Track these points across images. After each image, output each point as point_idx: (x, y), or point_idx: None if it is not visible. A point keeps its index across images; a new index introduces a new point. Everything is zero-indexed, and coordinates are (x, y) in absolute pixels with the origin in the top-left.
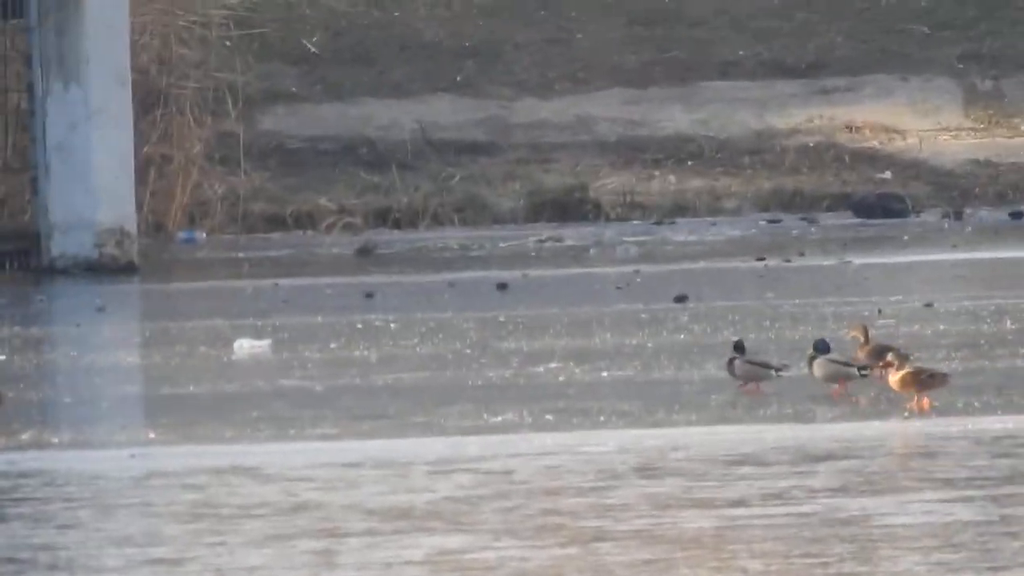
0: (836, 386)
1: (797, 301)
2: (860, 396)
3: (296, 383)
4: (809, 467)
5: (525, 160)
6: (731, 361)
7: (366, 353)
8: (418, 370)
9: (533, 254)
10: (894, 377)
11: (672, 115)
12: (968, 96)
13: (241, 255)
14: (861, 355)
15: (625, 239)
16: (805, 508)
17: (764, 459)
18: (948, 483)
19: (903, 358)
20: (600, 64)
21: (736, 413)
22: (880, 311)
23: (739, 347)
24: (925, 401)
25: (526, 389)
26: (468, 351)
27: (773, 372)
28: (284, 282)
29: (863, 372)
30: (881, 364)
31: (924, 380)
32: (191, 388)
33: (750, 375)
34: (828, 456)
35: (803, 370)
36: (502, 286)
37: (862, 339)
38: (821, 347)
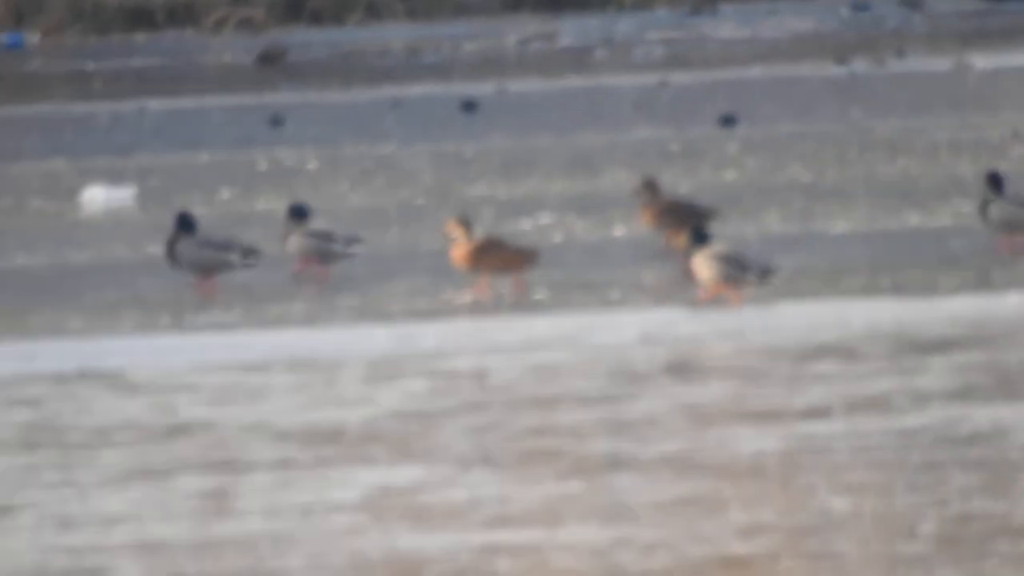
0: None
1: (895, 122)
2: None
3: None
4: (917, 361)
5: None
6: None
7: (272, 206)
8: (350, 224)
9: (513, 59)
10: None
11: None
12: None
13: (91, 66)
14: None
15: (647, 35)
16: (911, 421)
17: (852, 349)
18: None
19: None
20: None
21: (812, 283)
22: (1016, 134)
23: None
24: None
25: None
26: (421, 201)
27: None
28: (153, 104)
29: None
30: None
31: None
32: (21, 259)
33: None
34: (944, 344)
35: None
36: (469, 106)
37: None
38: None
